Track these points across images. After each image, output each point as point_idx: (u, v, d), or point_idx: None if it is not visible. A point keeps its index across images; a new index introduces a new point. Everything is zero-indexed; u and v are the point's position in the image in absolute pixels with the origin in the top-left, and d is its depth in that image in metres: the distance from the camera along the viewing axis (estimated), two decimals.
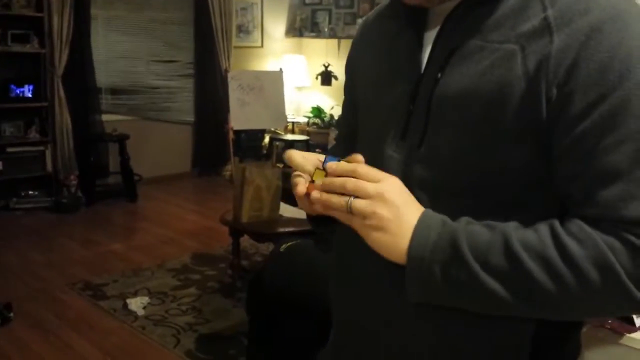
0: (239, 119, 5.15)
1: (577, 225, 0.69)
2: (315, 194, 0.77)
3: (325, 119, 6.94)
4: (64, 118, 5.38)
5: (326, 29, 7.08)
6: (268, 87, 5.27)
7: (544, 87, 0.69)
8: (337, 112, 6.87)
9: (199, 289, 3.63)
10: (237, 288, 3.55)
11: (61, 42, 5.26)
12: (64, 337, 3.01)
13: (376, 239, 0.74)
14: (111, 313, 3.29)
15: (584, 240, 0.67)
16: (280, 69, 5.66)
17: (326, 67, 6.97)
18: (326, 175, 0.77)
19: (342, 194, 0.74)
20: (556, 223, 0.70)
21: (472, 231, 0.72)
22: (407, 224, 0.73)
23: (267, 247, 4.11)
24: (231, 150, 5.04)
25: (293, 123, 6.98)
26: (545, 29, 0.71)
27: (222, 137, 6.12)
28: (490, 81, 0.73)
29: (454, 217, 0.75)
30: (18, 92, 5.17)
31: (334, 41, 7.05)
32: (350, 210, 0.73)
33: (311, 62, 7.14)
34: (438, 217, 0.75)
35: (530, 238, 0.69)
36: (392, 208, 0.73)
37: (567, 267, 0.67)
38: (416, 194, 0.79)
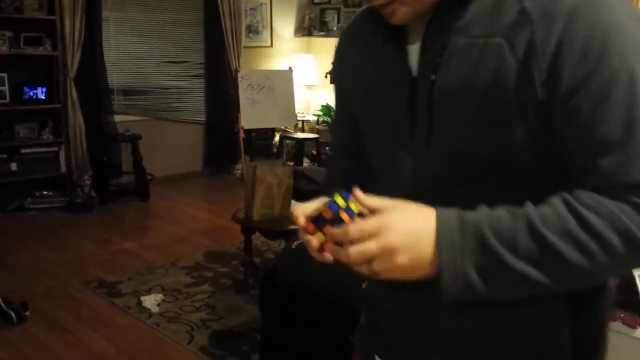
0: (250, 118, 5.18)
1: (588, 195, 0.72)
2: (327, 256, 0.80)
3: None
4: (77, 119, 5.44)
5: (335, 28, 7.10)
6: (278, 86, 5.29)
7: (535, 72, 0.73)
8: None
9: (212, 286, 3.67)
10: (249, 285, 3.58)
11: (73, 44, 5.32)
12: (80, 335, 3.05)
13: (401, 266, 0.75)
14: (126, 310, 3.33)
15: (598, 209, 0.71)
16: (290, 68, 5.68)
17: None
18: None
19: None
20: (568, 196, 0.73)
21: (494, 219, 0.75)
22: (426, 245, 0.75)
23: (278, 244, 4.13)
24: (242, 149, 5.06)
25: (303, 121, 7.00)
26: (525, 20, 0.74)
27: (233, 136, 6.16)
28: (485, 73, 0.77)
29: (469, 203, 0.77)
30: (31, 94, 5.23)
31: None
32: (367, 259, 0.75)
33: (320, 60, 7.16)
34: (453, 215, 0.77)
35: (549, 215, 0.72)
36: (406, 252, 0.74)
37: (591, 238, 0.70)
38: (430, 187, 0.83)
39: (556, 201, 0.74)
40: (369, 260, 0.75)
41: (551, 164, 0.78)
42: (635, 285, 1.68)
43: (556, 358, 0.86)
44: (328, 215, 0.79)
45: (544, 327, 0.84)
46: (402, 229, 0.75)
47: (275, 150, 6.66)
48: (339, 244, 0.77)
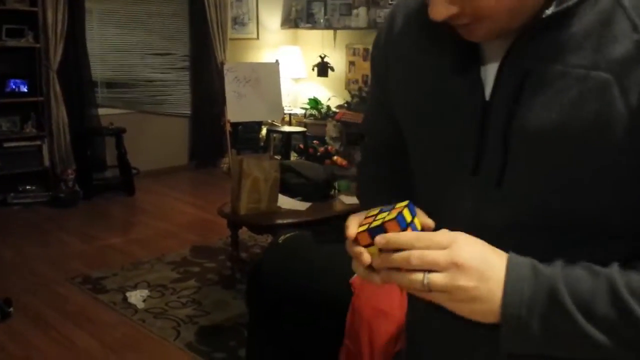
0: (236, 111, 5.15)
1: None
2: (379, 278, 0.70)
3: (322, 110, 6.94)
4: (60, 112, 5.37)
5: (322, 20, 7.06)
6: (264, 79, 5.26)
7: None
8: (334, 103, 6.87)
9: (198, 281, 3.64)
10: (236, 280, 3.56)
11: (56, 36, 5.24)
12: (65, 331, 3.02)
13: (467, 310, 0.68)
14: (111, 306, 3.30)
15: None
16: (277, 61, 5.65)
17: (322, 58, 6.95)
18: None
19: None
20: None
21: (572, 278, 0.66)
22: (495, 282, 0.67)
23: (265, 239, 4.11)
24: (228, 142, 5.04)
25: (290, 115, 6.97)
26: None
27: (219, 130, 6.12)
28: (583, 117, 0.65)
29: (540, 253, 0.69)
30: (13, 87, 5.15)
31: (330, 32, 7.03)
32: (429, 289, 0.67)
33: (307, 53, 7.12)
34: (527, 265, 0.68)
35: (636, 282, 0.64)
36: (473, 274, 0.66)
37: None
38: (490, 233, 0.71)
39: None
40: (436, 278, 0.66)
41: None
42: None
43: None
44: (392, 228, 0.69)
45: None
46: (475, 252, 0.67)
47: (262, 143, 6.63)
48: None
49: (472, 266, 0.66)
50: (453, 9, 0.66)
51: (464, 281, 0.66)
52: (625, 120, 0.63)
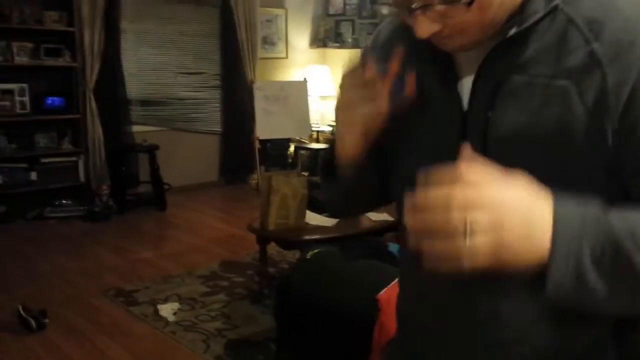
0: (265, 128, 5.23)
1: None
2: (411, 222, 0.66)
3: None
4: (95, 129, 5.53)
5: (349, 39, 7.15)
6: (293, 97, 5.34)
7: (607, 121, 0.71)
8: None
9: (227, 295, 3.70)
10: (264, 295, 3.60)
11: (92, 55, 5.41)
12: (97, 343, 3.09)
13: (508, 245, 0.65)
14: (143, 319, 3.37)
15: None
16: (305, 79, 5.73)
17: None
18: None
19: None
20: None
21: (618, 212, 0.70)
22: (540, 218, 0.68)
23: (293, 255, 4.15)
24: (257, 159, 5.11)
25: (318, 132, 7.04)
26: (595, 64, 0.72)
27: (249, 147, 6.21)
28: (548, 119, 0.74)
29: None
30: (51, 104, 5.32)
31: (358, 51, 7.09)
32: (469, 234, 0.63)
33: (335, 71, 7.19)
34: (572, 206, 0.69)
35: None
36: (518, 209, 0.66)
37: None
38: None
39: None
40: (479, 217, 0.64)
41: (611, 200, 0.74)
42: None
43: None
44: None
45: (590, 354, 0.82)
46: (518, 208, 0.66)
47: (290, 160, 6.70)
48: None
49: (517, 223, 0.66)
50: (436, 27, 0.75)
51: (508, 215, 0.65)
52: (584, 119, 0.72)
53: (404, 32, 0.87)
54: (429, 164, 0.76)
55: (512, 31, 0.76)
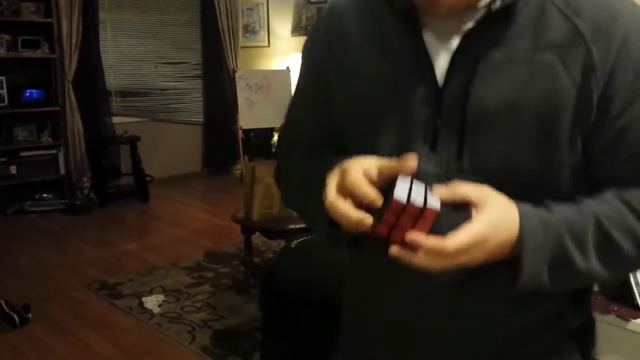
0: (248, 118, 5.20)
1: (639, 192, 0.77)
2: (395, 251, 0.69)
3: None
4: (75, 121, 5.46)
5: None
6: (276, 86, 5.30)
7: (594, 95, 0.74)
8: None
9: (212, 286, 3.69)
10: (249, 284, 3.60)
11: (70, 46, 5.33)
12: (82, 336, 3.07)
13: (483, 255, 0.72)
14: (127, 311, 3.35)
15: None
16: (288, 68, 5.70)
17: None
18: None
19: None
20: (624, 193, 0.76)
21: (569, 221, 0.74)
22: (509, 224, 0.73)
23: (278, 244, 4.15)
24: (240, 149, 5.08)
25: None
26: (579, 39, 0.74)
27: (232, 137, 6.17)
28: (535, 93, 0.75)
29: None
30: (30, 97, 5.24)
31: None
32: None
33: None
34: (534, 215, 0.74)
35: (611, 212, 0.75)
36: (498, 231, 0.71)
37: None
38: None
39: (610, 196, 0.76)
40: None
41: (579, 180, 0.78)
42: (628, 278, 1.70)
43: (565, 346, 0.88)
44: (412, 209, 0.67)
45: (551, 325, 0.86)
46: (498, 231, 0.71)
47: (273, 150, 6.68)
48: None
49: (492, 237, 0.71)
50: None
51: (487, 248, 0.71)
52: (572, 91, 0.74)
53: (367, 10, 0.87)
54: (398, 143, 0.81)
55: (497, 4, 0.75)
